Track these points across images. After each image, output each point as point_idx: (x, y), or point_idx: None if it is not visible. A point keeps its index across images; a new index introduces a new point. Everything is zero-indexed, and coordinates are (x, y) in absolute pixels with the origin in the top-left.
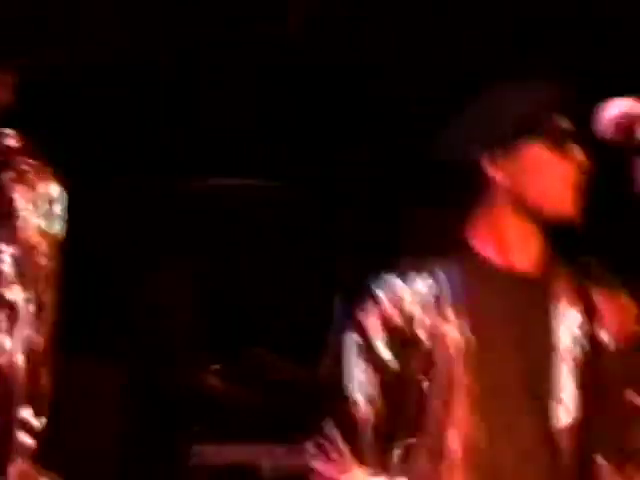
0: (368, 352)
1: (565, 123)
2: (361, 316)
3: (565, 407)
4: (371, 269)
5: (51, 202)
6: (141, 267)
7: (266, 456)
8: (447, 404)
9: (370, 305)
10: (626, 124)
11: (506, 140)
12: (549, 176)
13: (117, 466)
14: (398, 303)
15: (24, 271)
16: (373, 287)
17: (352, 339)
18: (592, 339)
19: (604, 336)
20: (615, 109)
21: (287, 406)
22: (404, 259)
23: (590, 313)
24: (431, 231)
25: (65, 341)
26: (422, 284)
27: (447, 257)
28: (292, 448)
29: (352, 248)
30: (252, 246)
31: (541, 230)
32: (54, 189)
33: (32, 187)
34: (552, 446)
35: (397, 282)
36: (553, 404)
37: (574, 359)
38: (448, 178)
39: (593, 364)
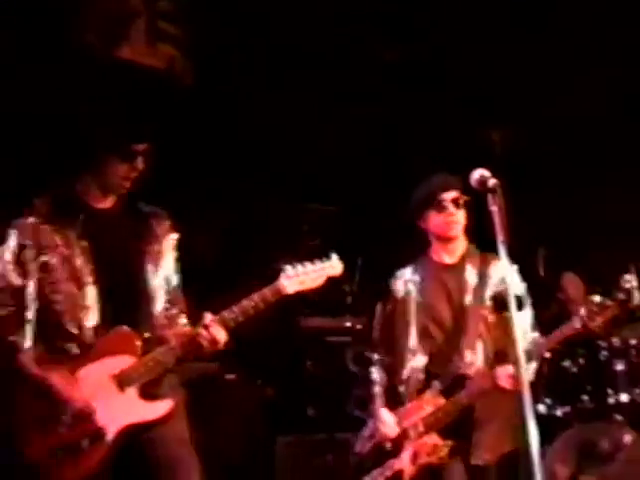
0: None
1: (449, 195)
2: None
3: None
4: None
5: None
6: None
7: None
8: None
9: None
10: (481, 180)
11: (421, 208)
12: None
13: None
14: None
15: None
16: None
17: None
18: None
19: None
20: (476, 174)
21: None
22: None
23: (485, 278)
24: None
25: None
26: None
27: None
28: None
29: None
30: None
31: (449, 243)
32: None
33: None
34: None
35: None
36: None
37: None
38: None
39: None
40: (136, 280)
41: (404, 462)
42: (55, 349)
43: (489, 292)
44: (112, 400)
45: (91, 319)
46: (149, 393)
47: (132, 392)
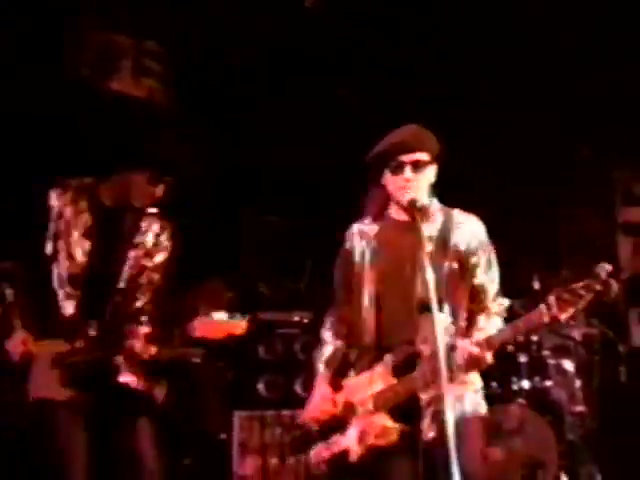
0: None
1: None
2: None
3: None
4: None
5: None
6: None
7: None
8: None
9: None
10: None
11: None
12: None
13: None
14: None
15: None
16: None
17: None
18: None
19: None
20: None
21: None
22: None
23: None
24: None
25: None
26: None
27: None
28: None
29: None
30: None
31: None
32: None
33: None
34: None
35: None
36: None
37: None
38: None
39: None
40: None
41: (350, 440)
42: None
43: (452, 249)
44: None
45: None
46: None
47: None
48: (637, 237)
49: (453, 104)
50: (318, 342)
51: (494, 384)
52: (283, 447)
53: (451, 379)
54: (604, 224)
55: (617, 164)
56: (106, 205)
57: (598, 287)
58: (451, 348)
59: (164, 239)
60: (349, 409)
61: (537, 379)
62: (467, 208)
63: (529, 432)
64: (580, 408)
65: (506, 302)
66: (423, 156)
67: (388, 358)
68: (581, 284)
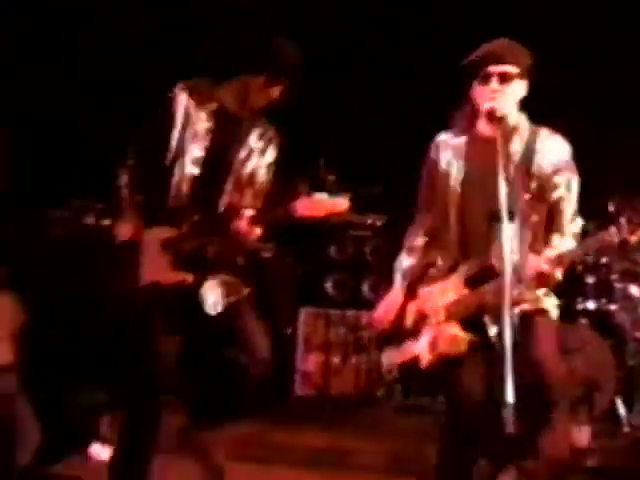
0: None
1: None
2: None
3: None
4: None
5: None
6: None
7: None
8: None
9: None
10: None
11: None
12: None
13: None
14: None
15: None
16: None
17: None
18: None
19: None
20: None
21: None
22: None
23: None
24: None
25: None
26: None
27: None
28: None
29: None
30: None
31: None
32: None
33: None
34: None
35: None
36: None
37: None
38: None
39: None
40: None
41: (422, 348)
42: None
43: (535, 168)
44: None
45: None
46: None
47: None
48: None
49: None
50: (388, 246)
51: (559, 302)
52: (346, 346)
53: (520, 294)
54: None
55: None
56: (226, 107)
57: None
58: (521, 263)
59: (273, 145)
60: (422, 317)
61: (603, 301)
62: (555, 127)
63: (589, 353)
64: None
65: (580, 223)
66: (512, 69)
67: (462, 269)
68: None
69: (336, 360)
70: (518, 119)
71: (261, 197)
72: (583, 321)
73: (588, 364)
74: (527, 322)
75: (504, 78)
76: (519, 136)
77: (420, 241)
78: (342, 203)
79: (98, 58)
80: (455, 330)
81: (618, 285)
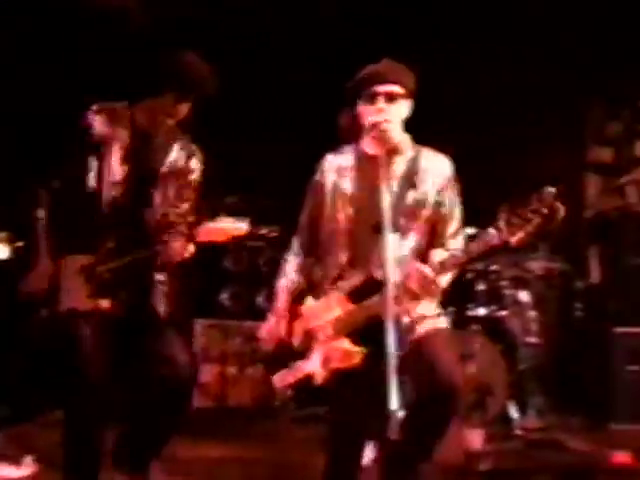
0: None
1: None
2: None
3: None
4: None
5: None
6: None
7: None
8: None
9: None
10: None
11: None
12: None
13: None
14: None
15: None
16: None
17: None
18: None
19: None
20: None
21: None
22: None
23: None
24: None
25: None
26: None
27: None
28: None
29: None
30: None
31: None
32: None
33: None
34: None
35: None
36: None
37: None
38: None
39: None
40: None
41: (314, 365)
42: None
43: (418, 185)
44: None
45: None
46: None
47: None
48: (605, 177)
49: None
50: (283, 258)
51: (450, 309)
52: (243, 357)
53: (402, 302)
54: (573, 162)
55: (590, 103)
56: (141, 126)
57: (545, 210)
58: (404, 274)
59: (195, 161)
60: (309, 335)
61: (493, 308)
62: (437, 143)
63: (481, 359)
64: (533, 340)
65: (462, 240)
66: (397, 89)
67: (343, 284)
68: (528, 208)
69: (233, 371)
70: (402, 138)
71: (192, 213)
72: (474, 327)
73: (480, 369)
74: (423, 333)
75: (390, 98)
76: (403, 155)
77: (301, 259)
78: (241, 228)
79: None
80: (345, 344)
81: (508, 291)
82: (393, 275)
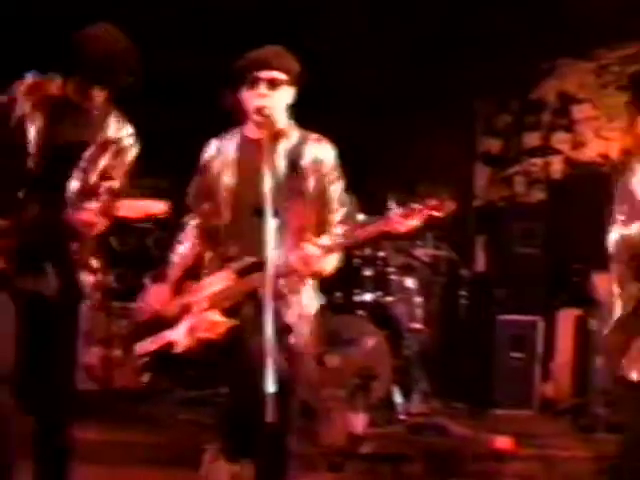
0: None
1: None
2: None
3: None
4: None
5: None
6: None
7: None
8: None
9: None
10: None
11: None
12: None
13: None
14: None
15: None
16: None
17: None
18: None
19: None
20: None
21: None
22: None
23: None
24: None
25: None
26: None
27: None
28: None
29: None
30: None
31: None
32: None
33: None
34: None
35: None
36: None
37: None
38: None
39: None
40: None
41: (178, 334)
42: None
43: (302, 171)
44: None
45: None
46: None
47: None
48: (494, 167)
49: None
50: (171, 239)
51: (337, 294)
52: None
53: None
54: (463, 152)
55: (480, 94)
56: (67, 99)
57: (433, 202)
58: (285, 256)
59: (128, 137)
60: (185, 308)
61: (379, 294)
62: (330, 131)
63: (366, 344)
64: (418, 326)
65: (361, 217)
66: (280, 75)
67: (232, 265)
68: (418, 199)
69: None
70: (287, 124)
71: (119, 188)
72: (360, 313)
73: (365, 354)
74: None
75: (272, 84)
76: (287, 140)
77: (191, 240)
78: (160, 207)
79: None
80: (215, 316)
81: (395, 278)
82: (273, 258)
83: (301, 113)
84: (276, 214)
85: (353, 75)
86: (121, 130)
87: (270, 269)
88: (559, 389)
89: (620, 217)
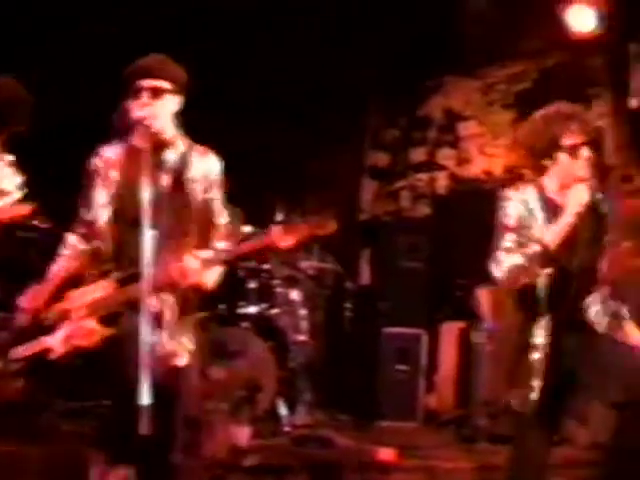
0: None
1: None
2: None
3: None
4: None
5: None
6: None
7: None
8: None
9: None
10: None
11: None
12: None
13: None
14: None
15: None
16: None
17: None
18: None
19: None
20: None
21: None
22: None
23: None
24: None
25: None
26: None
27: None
28: None
29: None
30: None
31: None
32: None
33: None
34: None
35: None
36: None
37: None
38: None
39: None
40: None
41: (55, 341)
42: None
43: (187, 182)
44: None
45: None
46: None
47: None
48: (380, 182)
49: None
50: (55, 249)
51: (222, 306)
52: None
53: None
54: (351, 165)
55: (369, 109)
56: None
57: (316, 221)
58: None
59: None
60: (63, 315)
61: (264, 306)
62: (219, 143)
63: (251, 355)
64: (303, 338)
65: (247, 229)
66: (164, 84)
67: (113, 274)
68: (302, 216)
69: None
70: (173, 134)
71: None
72: (245, 325)
73: (250, 366)
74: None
75: (155, 93)
76: (173, 150)
77: (75, 249)
78: (25, 208)
79: None
80: (92, 324)
81: (279, 290)
82: (150, 270)
83: (189, 124)
84: (155, 226)
85: (242, 87)
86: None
87: (146, 281)
88: (442, 401)
89: (506, 244)
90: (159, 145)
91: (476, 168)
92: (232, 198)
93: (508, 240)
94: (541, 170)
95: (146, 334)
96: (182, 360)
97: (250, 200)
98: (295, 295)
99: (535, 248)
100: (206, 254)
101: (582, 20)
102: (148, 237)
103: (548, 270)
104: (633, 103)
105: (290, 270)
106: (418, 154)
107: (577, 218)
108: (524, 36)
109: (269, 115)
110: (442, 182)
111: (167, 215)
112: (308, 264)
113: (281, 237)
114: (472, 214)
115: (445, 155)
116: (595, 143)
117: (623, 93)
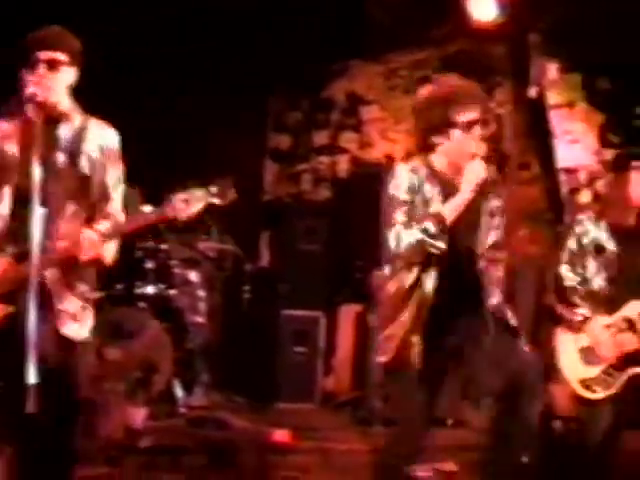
0: None
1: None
2: None
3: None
4: None
5: None
6: None
7: None
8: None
9: None
10: None
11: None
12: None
13: None
14: None
15: None
16: None
17: None
18: None
19: None
20: None
21: None
22: None
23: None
24: None
25: None
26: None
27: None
28: None
29: None
30: None
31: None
32: None
33: None
34: None
35: None
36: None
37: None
38: None
39: None
40: None
41: None
42: None
43: (83, 156)
44: None
45: None
46: None
47: None
48: (283, 164)
49: None
50: None
51: (119, 286)
52: None
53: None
54: (253, 147)
55: (272, 92)
56: None
57: (215, 190)
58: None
59: None
60: None
61: (162, 286)
62: (120, 122)
63: (147, 336)
64: (201, 319)
65: (147, 209)
66: (60, 56)
67: (9, 250)
68: (200, 187)
69: None
70: (69, 107)
71: None
72: (142, 305)
73: (146, 347)
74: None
75: (52, 65)
76: (69, 123)
77: None
78: None
79: None
80: None
81: (178, 271)
82: (39, 246)
83: (90, 99)
84: (48, 202)
85: (147, 66)
86: None
87: (34, 259)
88: (339, 383)
89: (401, 217)
90: (53, 119)
91: (378, 152)
92: (131, 178)
93: (401, 213)
94: (429, 148)
95: (33, 312)
96: (78, 335)
97: (150, 182)
98: (193, 276)
99: (430, 223)
100: (104, 227)
101: (484, 9)
102: (38, 215)
103: (444, 245)
104: (532, 92)
105: (189, 251)
106: (321, 137)
107: (474, 194)
108: (428, 23)
109: (174, 97)
110: (343, 165)
111: (61, 191)
112: (207, 245)
113: (181, 207)
114: (372, 198)
115: (347, 139)
116: (488, 121)
117: (523, 82)
